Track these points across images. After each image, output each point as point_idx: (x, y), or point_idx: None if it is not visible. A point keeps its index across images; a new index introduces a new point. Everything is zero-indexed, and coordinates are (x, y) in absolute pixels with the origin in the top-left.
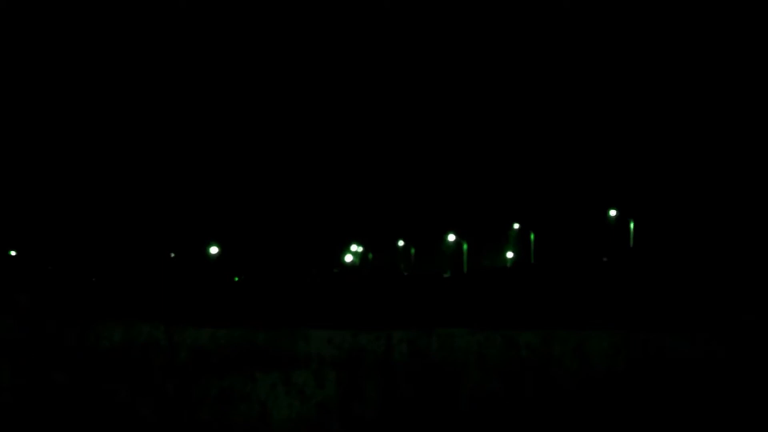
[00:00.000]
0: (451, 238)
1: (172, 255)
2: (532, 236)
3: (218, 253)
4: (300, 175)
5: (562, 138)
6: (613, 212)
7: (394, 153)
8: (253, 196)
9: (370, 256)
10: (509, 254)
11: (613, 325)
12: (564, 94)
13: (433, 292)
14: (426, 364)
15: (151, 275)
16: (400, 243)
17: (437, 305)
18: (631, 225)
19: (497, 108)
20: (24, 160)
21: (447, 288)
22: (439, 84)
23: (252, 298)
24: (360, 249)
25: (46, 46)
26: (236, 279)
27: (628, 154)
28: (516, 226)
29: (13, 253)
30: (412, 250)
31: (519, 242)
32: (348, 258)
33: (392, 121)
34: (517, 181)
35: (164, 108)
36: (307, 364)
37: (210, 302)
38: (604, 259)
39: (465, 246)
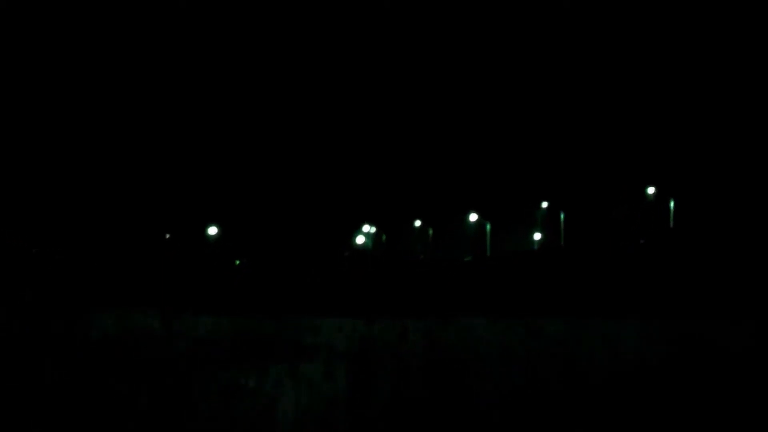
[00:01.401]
0: (473, 218)
1: (168, 236)
2: (561, 216)
3: (218, 234)
4: (306, 148)
5: (595, 107)
6: (651, 189)
7: (410, 124)
8: (254, 172)
9: (384, 237)
10: (536, 236)
11: (650, 314)
12: (600, 63)
13: (452, 278)
14: (442, 356)
15: (145, 259)
16: (417, 223)
17: (456, 292)
18: (671, 204)
19: (526, 76)
20: (12, 145)
21: (467, 273)
22: (464, 59)
23: (255, 283)
24: (372, 230)
25: (43, 40)
26: (237, 263)
27: (668, 124)
28: (544, 205)
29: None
30: (430, 232)
31: (547, 223)
32: (359, 240)
33: (407, 92)
34: (545, 156)
35: (157, 88)
36: (315, 355)
37: (210, 288)
38: (641, 241)
39: (488, 227)
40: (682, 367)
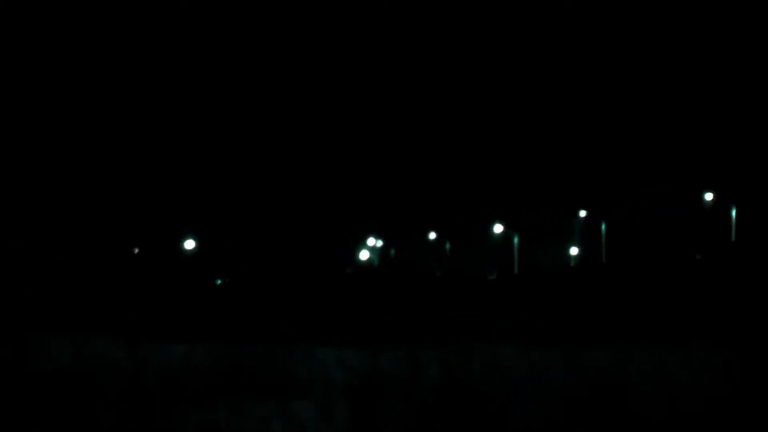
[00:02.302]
0: (498, 229)
1: (136, 250)
2: (603, 227)
3: (195, 248)
4: (300, 148)
5: (645, 101)
6: (709, 196)
7: (422, 122)
8: (239, 175)
9: (392, 252)
10: (573, 250)
11: (711, 340)
12: (642, 59)
13: (474, 299)
14: (465, 391)
15: (108, 276)
16: (432, 235)
17: (480, 316)
18: (733, 213)
19: (557, 74)
20: None
21: (492, 293)
22: (480, 59)
23: (239, 306)
24: (379, 243)
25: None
26: (218, 282)
27: (730, 123)
28: (582, 213)
29: None
30: (447, 245)
31: (586, 235)
32: (364, 254)
33: (417, 89)
34: (583, 157)
35: (128, 87)
36: (310, 390)
37: (184, 311)
38: (698, 256)
39: (516, 239)
40: (753, 402)
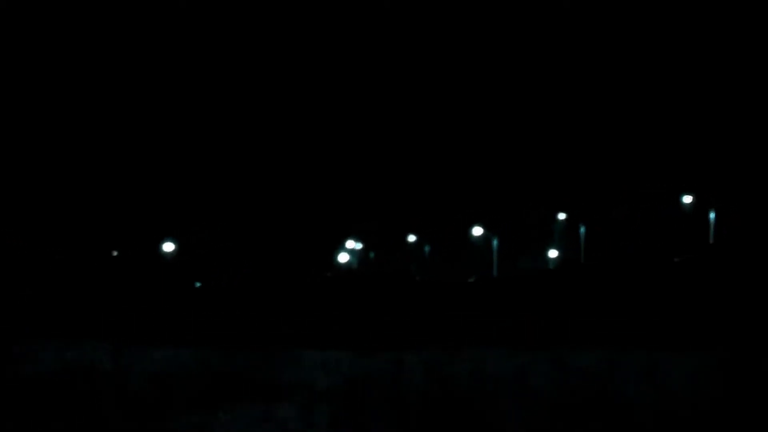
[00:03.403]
0: (478, 232)
1: (115, 253)
2: (582, 229)
3: (175, 251)
4: (278, 149)
5: (621, 102)
6: (687, 199)
7: (400, 123)
8: (217, 177)
9: (372, 255)
10: (553, 253)
11: (696, 343)
12: (625, 60)
13: (456, 302)
14: (449, 395)
15: (89, 279)
16: (411, 238)
17: (463, 319)
18: (711, 215)
19: (543, 73)
20: None
21: (474, 296)
22: (467, 57)
23: (220, 309)
24: (358, 246)
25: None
26: (198, 285)
27: (707, 123)
28: (562, 216)
29: None
30: (426, 248)
31: (565, 237)
32: (343, 258)
33: (396, 89)
34: (561, 159)
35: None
36: (294, 394)
37: (167, 315)
38: (676, 259)
39: (495, 243)
40: (741, 406)
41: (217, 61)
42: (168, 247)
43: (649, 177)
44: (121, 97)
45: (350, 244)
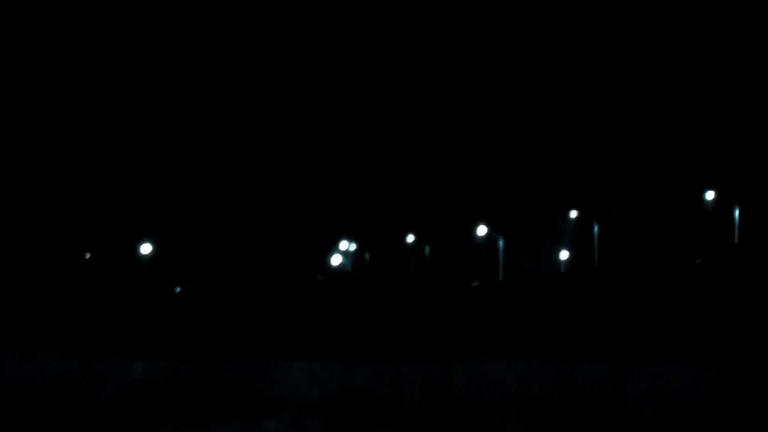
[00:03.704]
0: (482, 231)
1: (88, 256)
2: (595, 228)
3: (152, 252)
4: (263, 144)
5: (641, 94)
6: (710, 195)
7: (397, 116)
8: (198, 173)
9: (367, 256)
10: (563, 254)
11: (715, 351)
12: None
13: (456, 307)
14: (448, 407)
15: (59, 284)
16: (410, 238)
17: (463, 326)
18: (736, 213)
19: (552, 66)
20: None
21: (476, 301)
22: (472, 54)
23: (201, 316)
24: (352, 247)
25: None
26: (177, 289)
27: (731, 117)
28: (573, 214)
29: None
30: (426, 249)
31: (577, 237)
32: (336, 260)
33: (395, 84)
34: (573, 153)
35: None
36: (281, 408)
37: (143, 322)
38: (698, 260)
39: (501, 243)
40: (756, 418)
41: (207, 57)
42: (145, 249)
43: (669, 171)
44: (105, 94)
45: (343, 244)
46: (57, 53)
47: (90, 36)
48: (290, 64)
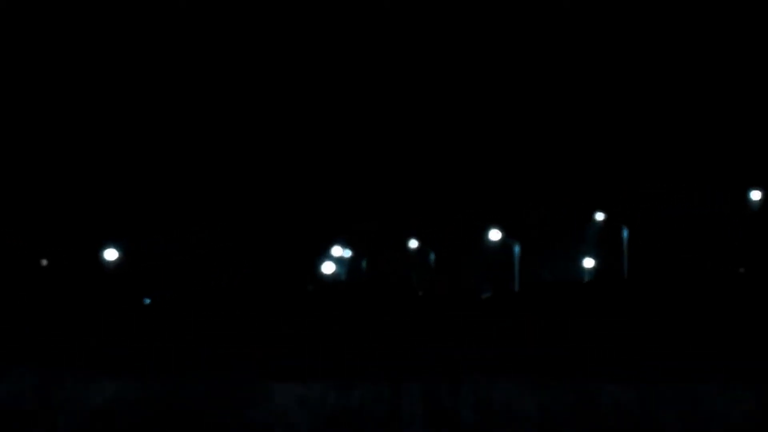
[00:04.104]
0: (495, 236)
1: (45, 262)
2: (625, 233)
3: (118, 259)
4: (246, 138)
5: (677, 80)
6: (756, 195)
7: (400, 111)
8: (170, 169)
9: (364, 264)
10: (588, 262)
11: (757, 374)
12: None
13: (464, 322)
14: None
15: (11, 294)
16: (413, 244)
17: (473, 343)
18: None
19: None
20: None
21: (487, 315)
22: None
23: (174, 331)
24: (347, 253)
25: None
26: (147, 301)
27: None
28: (599, 217)
29: None
30: (432, 256)
31: (603, 243)
32: (328, 267)
33: (403, 82)
34: (599, 146)
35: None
36: None
37: (108, 338)
38: (741, 269)
39: (516, 249)
40: None
41: (203, 57)
42: (110, 254)
43: (708, 168)
44: (104, 94)
45: (337, 250)
46: (33, 51)
47: (76, 33)
48: (289, 64)
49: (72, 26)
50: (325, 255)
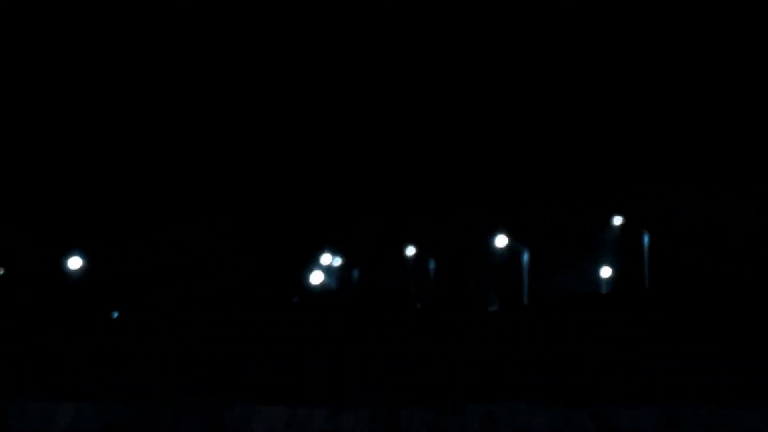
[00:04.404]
0: (501, 242)
1: (1, 272)
2: (645, 240)
3: (82, 268)
4: (227, 136)
5: (704, 70)
6: (618, 220)
7: (397, 108)
8: (140, 170)
9: (356, 273)
10: (605, 271)
11: None
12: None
13: (468, 338)
14: None
15: None
16: (410, 251)
17: (477, 360)
18: None
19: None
20: None
21: (493, 330)
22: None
23: (143, 348)
24: (337, 261)
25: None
26: (115, 315)
27: None
28: (617, 221)
29: None
30: (431, 264)
31: (622, 250)
32: (317, 277)
33: (400, 78)
34: (617, 143)
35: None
36: None
37: (69, 356)
38: None
39: (525, 257)
40: None
41: (200, 56)
42: (73, 263)
43: (735, 168)
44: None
45: (326, 258)
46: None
47: (70, 32)
48: (289, 67)
49: (65, 25)
50: (314, 263)
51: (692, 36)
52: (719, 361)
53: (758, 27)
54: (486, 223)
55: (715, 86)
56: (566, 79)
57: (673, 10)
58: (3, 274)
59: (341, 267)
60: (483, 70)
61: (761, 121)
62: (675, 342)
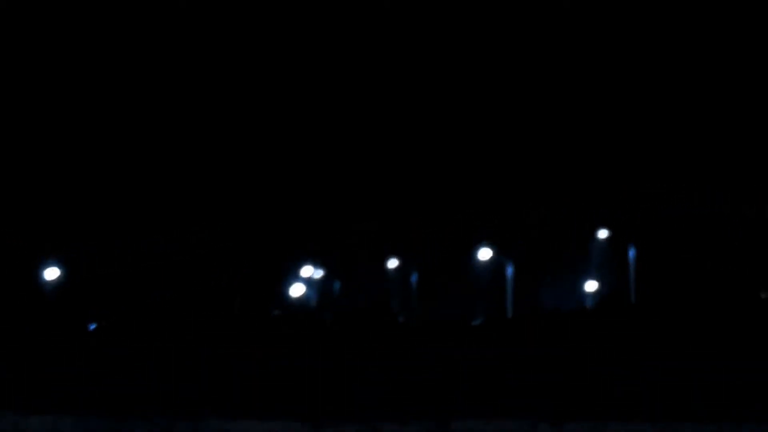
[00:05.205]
0: (485, 255)
1: None
2: (631, 252)
3: (59, 278)
4: (208, 142)
5: (693, 75)
6: (603, 233)
7: (378, 115)
8: (119, 175)
9: (337, 286)
10: (590, 285)
11: None
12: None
13: (452, 353)
14: None
15: None
16: (392, 263)
17: (460, 376)
18: None
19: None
20: None
21: (476, 345)
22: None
23: (121, 360)
24: (318, 274)
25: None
26: (93, 326)
27: None
28: (603, 234)
29: None
30: (414, 277)
31: (608, 263)
32: (296, 290)
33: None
34: (601, 154)
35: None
36: None
37: (46, 368)
38: (764, 294)
39: (509, 270)
40: None
41: (197, 56)
42: (50, 273)
43: (735, 168)
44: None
45: (306, 270)
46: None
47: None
48: (289, 70)
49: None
50: (293, 275)
51: (692, 37)
52: (707, 376)
53: (758, 27)
54: (470, 236)
55: (715, 86)
56: (562, 85)
57: (672, 10)
58: None
59: (322, 279)
60: (465, 83)
61: (761, 122)
62: (661, 357)
